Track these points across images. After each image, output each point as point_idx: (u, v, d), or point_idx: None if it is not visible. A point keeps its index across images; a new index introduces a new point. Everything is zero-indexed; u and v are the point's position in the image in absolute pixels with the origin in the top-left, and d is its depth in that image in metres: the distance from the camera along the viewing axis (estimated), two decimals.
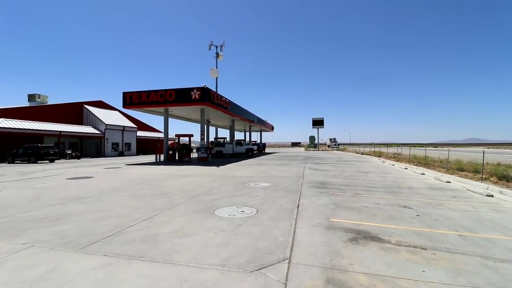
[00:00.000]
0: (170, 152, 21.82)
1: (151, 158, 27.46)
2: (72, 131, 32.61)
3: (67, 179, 10.75)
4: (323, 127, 56.73)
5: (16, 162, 22.93)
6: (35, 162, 22.38)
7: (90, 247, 3.67)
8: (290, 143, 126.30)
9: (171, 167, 15.74)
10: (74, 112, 36.90)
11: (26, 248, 3.66)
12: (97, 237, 4.05)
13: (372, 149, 37.61)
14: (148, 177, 11.04)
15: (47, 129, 29.76)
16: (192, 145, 30.58)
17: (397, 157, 22.70)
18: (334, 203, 6.17)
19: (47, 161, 23.52)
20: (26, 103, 35.31)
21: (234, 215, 5.13)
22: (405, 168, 14.77)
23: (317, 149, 57.82)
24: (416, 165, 16.18)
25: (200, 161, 20.53)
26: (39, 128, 28.92)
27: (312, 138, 59.02)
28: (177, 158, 21.94)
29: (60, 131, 30.87)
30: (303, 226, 4.55)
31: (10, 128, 26.12)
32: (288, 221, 4.79)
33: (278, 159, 24.11)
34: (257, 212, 5.37)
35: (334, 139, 74.82)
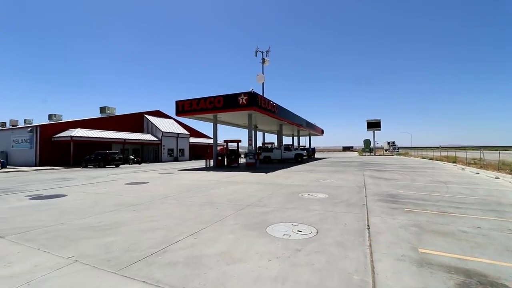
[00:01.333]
0: (219, 157, 22.04)
1: (202, 163, 28.36)
2: (134, 138, 35.87)
3: (125, 184, 11.30)
4: (380, 130, 52.01)
5: (89, 166, 25.95)
6: (104, 167, 24.96)
7: (130, 268, 3.25)
8: (341, 148, 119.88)
9: (219, 173, 15.66)
10: (136, 121, 40.68)
11: (69, 264, 3.42)
12: (140, 255, 3.65)
13: (442, 154, 32.73)
14: (197, 184, 10.93)
15: (114, 137, 33.26)
16: (240, 150, 30.77)
17: (479, 163, 18.99)
18: (416, 225, 4.86)
19: (114, 166, 26.04)
20: (98, 115, 40.31)
21: (290, 236, 4.30)
22: (496, 178, 11.97)
23: (373, 154, 53.22)
24: (509, 174, 13.09)
25: (248, 167, 20.22)
26: (107, 136, 32.49)
27: (367, 142, 54.61)
28: (225, 163, 22.06)
29: (125, 139, 34.19)
30: (382, 258, 3.47)
31: (84, 137, 29.87)
32: (360, 249, 3.76)
33: (330, 165, 22.43)
34: (317, 233, 4.44)
35: (393, 142, 68.20)
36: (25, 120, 45.88)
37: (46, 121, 37.00)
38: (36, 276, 3.08)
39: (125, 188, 9.99)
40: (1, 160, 23.58)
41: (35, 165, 28.32)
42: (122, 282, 2.96)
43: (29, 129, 30.06)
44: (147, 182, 11.70)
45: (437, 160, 28.71)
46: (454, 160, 24.68)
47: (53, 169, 24.51)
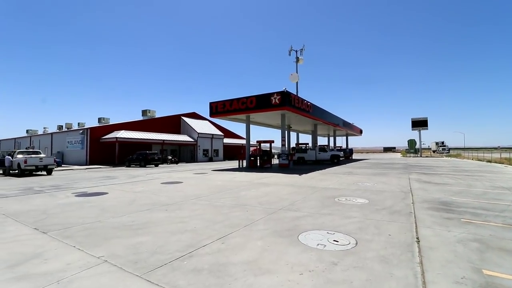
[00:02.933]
0: (252, 158, 21.97)
1: (235, 164, 28.62)
2: (172, 139, 37.63)
3: (161, 183, 11.70)
4: (427, 129, 47.69)
5: (131, 166, 27.78)
6: (144, 166, 26.50)
7: (155, 273, 3.14)
8: (382, 148, 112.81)
9: (252, 174, 15.51)
10: (174, 123, 42.68)
11: (98, 264, 3.43)
12: (166, 258, 3.55)
13: (503, 155, 28.79)
14: (229, 185, 10.87)
15: (153, 138, 35.25)
16: (273, 151, 30.42)
17: None
18: (478, 239, 4.08)
19: (153, 165, 27.53)
20: (140, 117, 43.12)
21: (325, 246, 3.87)
22: None
23: (418, 155, 49.01)
24: None
25: (281, 168, 19.80)
26: (148, 138, 34.54)
27: (412, 142, 50.47)
28: (258, 164, 21.91)
29: (163, 140, 36.03)
30: (437, 280, 2.90)
31: (128, 138, 32.09)
32: (409, 267, 3.20)
33: (370, 167, 20.99)
34: (356, 244, 3.94)
35: (442, 142, 62.15)
36: (78, 123, 50.99)
37: (95, 124, 40.67)
38: (66, 275, 3.11)
39: (161, 188, 10.31)
40: (57, 160, 26.29)
41: (86, 164, 31.19)
42: (146, 287, 2.85)
43: (81, 131, 33.22)
44: (181, 182, 11.99)
45: (496, 162, 25.28)
46: None
47: (100, 167, 26.69)
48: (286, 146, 22.69)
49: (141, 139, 33.67)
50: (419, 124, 49.70)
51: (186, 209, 6.49)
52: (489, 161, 26.77)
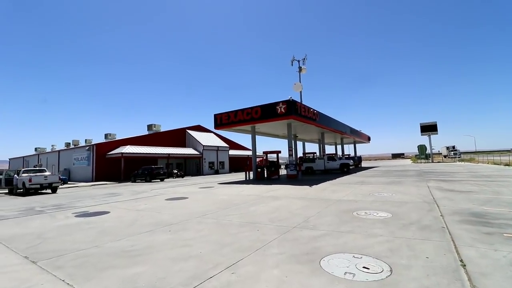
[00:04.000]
0: (259, 170, 21.38)
1: (242, 175, 28.01)
2: (177, 153, 37.39)
3: (165, 199, 11.18)
4: (437, 133, 46.58)
5: (137, 181, 27.42)
6: (150, 181, 26.10)
7: None
8: (390, 155, 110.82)
9: (259, 187, 14.90)
10: (178, 136, 42.58)
11: None
12: None
13: None
14: (236, 199, 10.29)
15: (159, 152, 35.07)
16: (280, 161, 29.78)
17: None
18: None
19: (158, 180, 27.12)
20: (146, 132, 43.20)
21: (354, 275, 3.26)
22: None
23: (430, 161, 47.63)
24: None
25: (290, 179, 19.13)
26: (153, 152, 34.37)
27: (422, 148, 49.21)
28: (265, 176, 21.28)
29: (169, 154, 35.80)
30: None
31: (133, 153, 31.98)
32: None
33: (382, 175, 20.16)
34: (390, 272, 3.32)
35: (453, 147, 60.56)
36: (85, 140, 51.42)
37: (103, 140, 40.86)
38: None
39: (165, 205, 9.78)
40: (62, 177, 26.13)
41: (92, 181, 30.99)
42: None
43: (87, 147, 33.27)
44: (187, 198, 11.45)
45: None
46: None
47: (106, 184, 26.39)
48: (294, 156, 22.08)
49: (146, 153, 33.51)
50: (428, 129, 48.63)
51: (191, 229, 5.93)
52: (507, 165, 25.61)
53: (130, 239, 5.39)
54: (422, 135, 49.40)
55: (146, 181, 26.33)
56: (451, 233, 4.74)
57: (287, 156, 21.51)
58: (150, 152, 34.12)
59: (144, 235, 5.60)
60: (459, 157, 54.28)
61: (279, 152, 22.56)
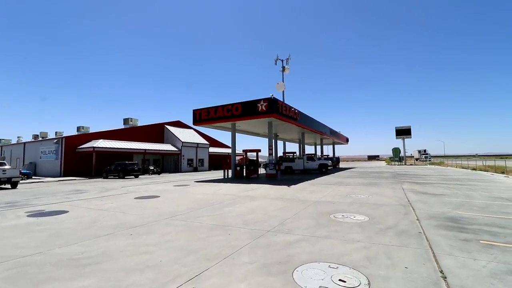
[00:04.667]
0: (238, 168, 20.91)
1: (221, 174, 27.41)
2: (154, 149, 35.96)
3: (135, 198, 10.42)
4: (410, 137, 48.55)
5: (109, 177, 25.96)
6: (123, 177, 24.79)
7: None
8: (366, 157, 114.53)
9: (237, 186, 14.46)
10: (157, 132, 41.02)
11: None
12: None
13: (485, 163, 29.29)
14: (211, 199, 9.79)
15: (134, 147, 33.51)
16: (260, 160, 29.48)
17: None
18: (511, 271, 3.29)
19: (133, 176, 25.85)
20: (122, 126, 41.19)
21: None
22: None
23: (403, 163, 49.57)
24: None
25: (269, 178, 18.86)
26: (128, 147, 32.77)
27: (396, 150, 51.15)
28: (244, 174, 20.86)
29: (145, 149, 34.33)
30: None
31: (106, 147, 30.28)
32: None
33: (359, 176, 20.46)
34: (368, 286, 3.03)
35: (425, 150, 63.48)
36: (56, 132, 48.18)
37: (74, 133, 38.44)
38: None
39: (133, 204, 9.07)
40: (24, 171, 24.17)
41: (60, 176, 28.98)
42: None
43: (55, 140, 31.04)
44: (158, 196, 10.75)
45: (481, 170, 25.54)
46: (503, 171, 21.66)
47: (75, 179, 24.73)
48: (274, 155, 21.86)
49: (120, 148, 31.88)
50: (403, 132, 50.66)
51: (156, 232, 5.38)
52: (474, 169, 27.06)
53: (84, 244, 4.76)
54: (397, 138, 51.38)
55: (119, 178, 24.99)
56: (429, 239, 4.59)
57: (267, 155, 21.24)
58: (125, 147, 32.50)
59: (101, 240, 4.98)
60: (429, 161, 57.02)
61: (259, 150, 22.23)
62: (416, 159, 65.04)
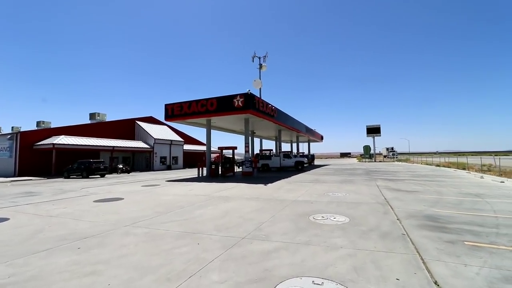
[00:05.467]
0: (213, 166, 20.09)
1: (195, 172, 26.33)
2: (123, 146, 33.77)
3: (94, 201, 9.30)
4: (380, 135, 50.64)
5: (71, 177, 23.79)
6: (87, 177, 22.82)
7: None
8: (339, 154, 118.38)
9: (211, 185, 13.72)
10: (127, 128, 38.63)
11: None
12: None
13: (447, 160, 31.18)
14: (182, 201, 9.00)
15: (101, 144, 31.16)
16: (236, 157, 28.82)
17: (494, 170, 17.32)
18: (507, 278, 3.03)
19: (98, 176, 23.94)
20: (88, 121, 38.21)
21: None
22: None
23: (373, 160, 51.61)
24: None
25: (245, 177, 18.31)
26: (94, 144, 30.37)
27: (367, 148, 53.05)
28: (220, 173, 20.11)
29: (113, 146, 32.08)
30: None
31: (68, 144, 27.75)
32: None
33: (334, 173, 20.61)
34: None
35: (392, 148, 66.80)
36: (12, 127, 43.64)
37: (34, 128, 34.94)
38: None
39: (90, 208, 8.01)
40: None
41: (14, 175, 26.11)
42: None
43: (9, 136, 27.89)
44: (122, 199, 9.71)
45: (444, 166, 27.08)
46: (464, 167, 23.09)
47: (31, 179, 22.33)
48: (250, 152, 21.34)
49: (85, 145, 29.42)
50: (373, 131, 52.70)
51: (111, 244, 4.58)
52: (438, 165, 28.67)
53: (15, 263, 3.85)
54: (367, 136, 53.31)
55: (83, 177, 22.96)
56: (414, 242, 4.30)
57: (244, 152, 20.66)
58: (90, 144, 30.05)
59: (39, 256, 4.09)
60: (396, 158, 60.09)
61: (235, 148, 21.57)
62: (384, 156, 68.30)
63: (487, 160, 25.45)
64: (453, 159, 31.26)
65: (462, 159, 28.45)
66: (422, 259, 3.63)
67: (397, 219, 5.83)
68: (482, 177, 15.24)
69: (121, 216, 6.75)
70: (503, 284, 2.91)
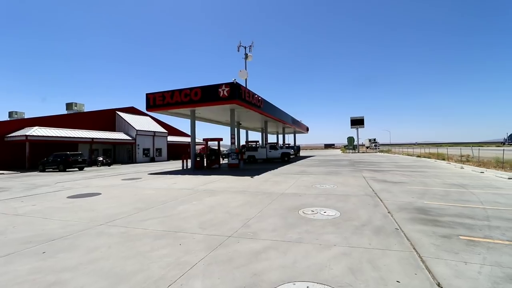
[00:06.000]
0: (198, 158, 19.52)
1: (179, 164, 25.62)
2: (103, 137, 32.30)
3: (68, 197, 8.61)
4: (364, 127, 51.53)
5: (47, 170, 22.47)
6: (64, 170, 21.61)
7: None
8: (323, 145, 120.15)
9: (196, 178, 13.24)
10: (107, 119, 36.92)
11: None
12: None
13: (426, 151, 32.16)
14: (164, 195, 8.51)
15: (79, 136, 29.61)
16: (222, 149, 28.28)
17: (472, 161, 17.93)
18: (509, 276, 2.88)
19: (76, 169, 22.75)
20: (64, 112, 36.12)
21: None
22: (510, 179, 10.58)
23: (357, 151, 52.62)
24: None
25: (231, 169, 17.92)
26: (71, 136, 28.79)
27: (351, 139, 53.89)
28: (205, 165, 19.59)
29: (92, 138, 30.60)
30: None
31: (43, 136, 26.12)
32: None
33: (320, 164, 20.63)
34: None
35: (374, 139, 68.32)
36: None
37: (6, 119, 32.59)
38: None
39: (62, 205, 7.37)
40: None
41: None
42: None
43: None
44: (99, 194, 9.07)
45: (424, 157, 27.88)
46: (443, 158, 23.84)
47: (2, 173, 20.86)
48: (236, 144, 20.91)
49: (61, 137, 27.80)
50: (357, 122, 53.52)
51: (81, 247, 4.09)
52: (419, 156, 29.48)
53: None
54: (351, 127, 54.13)
55: (60, 171, 21.70)
56: (409, 238, 4.12)
57: (230, 144, 20.18)
58: (67, 135, 28.43)
59: None
60: (378, 149, 61.59)
61: (221, 139, 21.05)
62: (367, 147, 69.88)
63: (465, 151, 26.45)
64: (433, 150, 32.34)
65: (441, 150, 29.42)
66: (420, 257, 3.43)
67: (388, 212, 5.69)
68: (462, 168, 15.68)
69: (96, 214, 6.21)
70: (508, 284, 2.74)
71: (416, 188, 8.79)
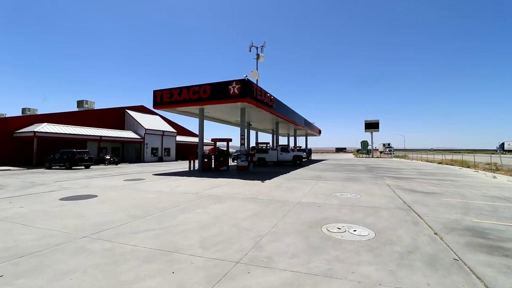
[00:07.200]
0: (205, 160, 18.67)
1: (187, 165, 24.90)
2: (112, 136, 32.03)
3: (60, 199, 7.84)
4: (378, 131, 49.66)
5: (53, 167, 22.16)
6: (70, 168, 21.23)
7: None
8: (334, 149, 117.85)
9: (202, 181, 12.36)
10: (116, 117, 36.78)
11: None
12: None
13: (445, 157, 30.37)
14: (164, 200, 7.63)
15: (87, 133, 29.38)
16: (231, 150, 27.41)
17: (502, 169, 16.35)
18: None
19: (83, 167, 22.37)
20: (76, 109, 36.20)
21: None
22: None
23: (370, 156, 50.77)
24: None
25: (240, 171, 16.98)
26: (79, 133, 28.58)
27: (365, 143, 52.13)
28: (213, 166, 18.72)
29: (101, 136, 30.35)
30: None
31: (51, 132, 25.95)
32: None
33: (334, 169, 19.42)
34: None
35: (389, 144, 66.10)
36: None
37: (19, 115, 32.83)
38: None
39: (50, 209, 6.58)
40: None
41: None
42: None
43: None
44: (94, 197, 8.26)
45: (447, 164, 26.17)
46: (468, 165, 22.18)
47: (9, 169, 20.66)
48: (246, 145, 19.98)
49: (69, 134, 27.60)
50: (372, 126, 51.67)
51: (49, 270, 3.20)
52: (440, 163, 27.75)
53: None
54: (365, 131, 52.33)
55: (66, 168, 21.33)
56: (480, 277, 3.04)
57: (239, 145, 19.28)
58: (75, 132, 28.22)
59: None
60: (393, 154, 59.42)
61: (230, 140, 20.17)
62: (381, 152, 67.72)
63: (483, 158, 24.61)
64: (455, 157, 30.54)
65: (465, 157, 27.63)
66: None
67: (435, 234, 4.58)
68: (495, 177, 14.19)
69: (83, 222, 5.36)
70: None
71: (454, 201, 7.59)
